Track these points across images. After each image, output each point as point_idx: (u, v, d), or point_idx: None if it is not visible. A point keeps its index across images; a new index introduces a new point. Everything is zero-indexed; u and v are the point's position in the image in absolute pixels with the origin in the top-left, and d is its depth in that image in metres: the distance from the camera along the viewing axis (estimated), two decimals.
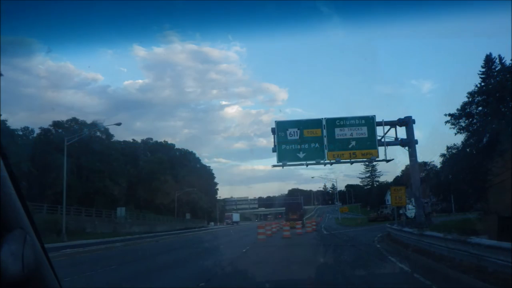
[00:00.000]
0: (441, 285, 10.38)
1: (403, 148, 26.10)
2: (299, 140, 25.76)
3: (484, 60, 42.10)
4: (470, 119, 36.25)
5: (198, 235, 44.92)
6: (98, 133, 60.01)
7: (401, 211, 36.30)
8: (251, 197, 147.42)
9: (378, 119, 26.06)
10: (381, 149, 25.83)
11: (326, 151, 25.58)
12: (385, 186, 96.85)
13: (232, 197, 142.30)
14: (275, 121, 26.42)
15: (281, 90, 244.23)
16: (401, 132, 26.35)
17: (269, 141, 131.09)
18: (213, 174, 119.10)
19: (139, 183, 71.18)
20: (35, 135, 56.61)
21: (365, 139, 25.60)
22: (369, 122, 25.78)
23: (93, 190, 55.25)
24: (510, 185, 18.46)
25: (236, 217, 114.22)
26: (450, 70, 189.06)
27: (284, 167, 26.83)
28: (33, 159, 47.92)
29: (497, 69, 40.82)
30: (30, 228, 1.84)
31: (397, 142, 26.17)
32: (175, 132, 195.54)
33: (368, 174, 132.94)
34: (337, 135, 25.70)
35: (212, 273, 13.23)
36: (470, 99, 35.56)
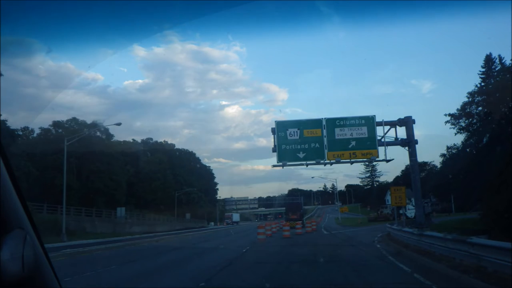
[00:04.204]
0: (441, 285, 10.38)
1: (403, 148, 26.10)
2: (299, 140, 25.75)
3: (484, 60, 42.20)
4: (470, 119, 36.32)
5: (198, 235, 44.91)
6: (98, 133, 60.04)
7: (401, 211, 36.29)
8: (251, 197, 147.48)
9: (378, 119, 26.05)
10: (381, 149, 25.82)
11: (326, 151, 25.58)
12: (385, 186, 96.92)
13: (232, 197, 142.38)
14: (275, 121, 26.43)
15: (281, 90, 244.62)
16: (401, 132, 26.36)
17: (269, 141, 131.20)
18: (213, 174, 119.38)
19: (139, 183, 71.22)
20: (35, 135, 56.69)
21: (365, 139, 25.58)
22: (369, 122, 25.77)
23: (93, 190, 55.27)
24: (510, 185, 18.45)
25: (236, 217, 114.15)
26: (450, 70, 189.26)
27: (284, 167, 26.83)
28: (33, 159, 47.94)
29: (497, 69, 40.86)
30: (30, 228, 1.84)
31: (397, 142, 26.17)
32: (175, 132, 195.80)
33: (368, 174, 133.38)
34: (337, 135, 25.70)
35: (212, 273, 13.23)
36: (470, 99, 35.64)
